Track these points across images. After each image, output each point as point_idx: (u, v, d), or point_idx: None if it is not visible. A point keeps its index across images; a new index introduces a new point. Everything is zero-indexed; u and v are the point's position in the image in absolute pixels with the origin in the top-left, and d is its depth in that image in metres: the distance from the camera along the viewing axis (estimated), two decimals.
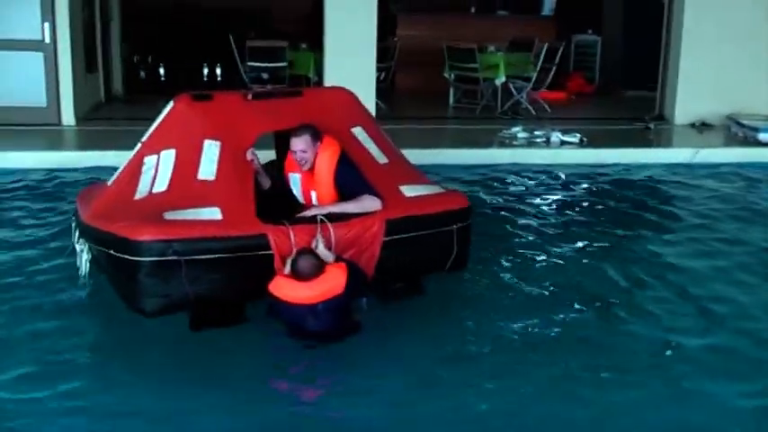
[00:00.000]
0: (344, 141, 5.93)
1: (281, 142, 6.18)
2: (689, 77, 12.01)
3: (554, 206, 8.44)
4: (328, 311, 5.07)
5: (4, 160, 9.41)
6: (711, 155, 10.40)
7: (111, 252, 5.28)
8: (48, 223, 7.43)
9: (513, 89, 12.89)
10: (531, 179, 9.50)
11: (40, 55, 11.06)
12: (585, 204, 8.54)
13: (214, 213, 5.31)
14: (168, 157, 5.65)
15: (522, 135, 10.83)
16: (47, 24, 10.99)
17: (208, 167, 5.54)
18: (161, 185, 5.55)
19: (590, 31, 16.34)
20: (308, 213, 5.53)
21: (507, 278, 6.30)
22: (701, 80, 11.92)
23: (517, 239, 7.26)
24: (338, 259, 5.28)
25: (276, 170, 6.08)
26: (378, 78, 12.28)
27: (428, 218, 5.72)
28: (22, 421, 4.32)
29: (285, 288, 5.05)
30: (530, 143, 10.69)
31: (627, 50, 15.20)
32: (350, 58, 11.47)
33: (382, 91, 12.65)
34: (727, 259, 6.89)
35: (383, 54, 12.80)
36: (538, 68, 12.76)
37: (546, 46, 12.81)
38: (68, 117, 11.26)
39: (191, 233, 5.15)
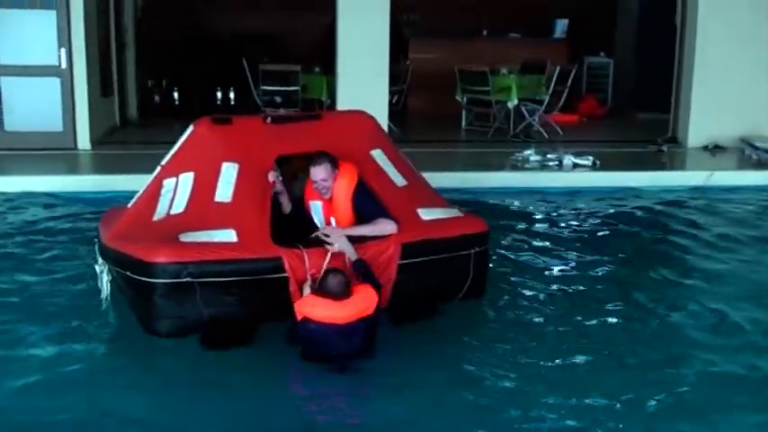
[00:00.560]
0: (363, 164, 5.96)
1: (287, 167, 6.24)
2: (702, 100, 12.00)
3: (567, 230, 8.43)
4: (360, 332, 5.06)
5: (20, 184, 9.48)
6: (725, 178, 10.36)
7: (128, 273, 5.34)
8: (65, 246, 7.47)
9: (525, 112, 12.90)
10: (543, 202, 9.49)
11: (57, 80, 11.15)
12: (599, 228, 8.53)
13: (230, 235, 5.34)
14: (187, 179, 5.71)
15: (534, 158, 10.84)
16: (63, 50, 11.09)
17: (225, 190, 5.59)
18: (179, 207, 5.60)
19: (602, 54, 16.36)
20: (322, 232, 5.53)
21: (520, 302, 6.31)
22: (715, 102, 11.90)
23: (530, 263, 7.26)
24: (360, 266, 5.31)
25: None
26: (390, 101, 12.32)
27: (445, 242, 5.72)
28: None
29: (318, 308, 5.00)
30: (542, 166, 10.69)
31: (639, 73, 15.21)
32: (363, 81, 11.53)
33: (395, 114, 12.70)
34: (745, 282, 6.88)
35: (396, 77, 12.85)
36: (550, 91, 12.79)
37: (558, 68, 12.84)
38: (84, 141, 11.34)
39: (206, 255, 5.19)
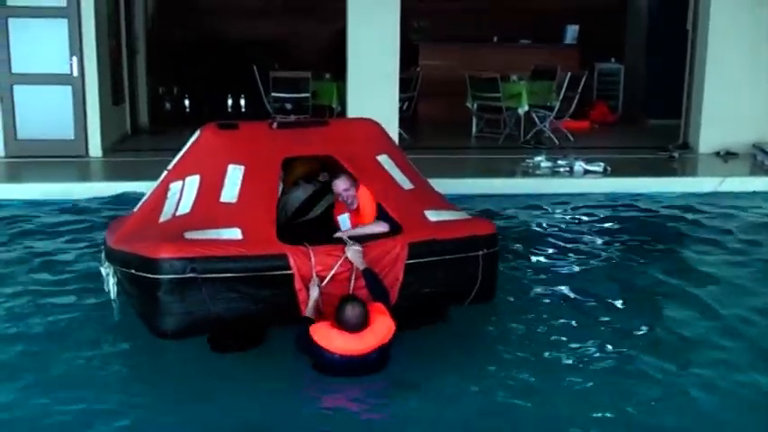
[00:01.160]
0: (370, 168, 5.99)
1: (289, 175, 6.33)
2: (713, 105, 11.96)
3: (577, 236, 8.40)
4: (375, 356, 5.02)
5: (33, 192, 9.53)
6: (737, 184, 10.33)
7: (132, 271, 5.36)
8: (75, 252, 7.51)
9: (535, 118, 12.90)
10: (554, 209, 9.48)
11: (69, 88, 11.21)
12: (609, 234, 8.51)
13: (234, 234, 5.35)
14: (193, 182, 5.75)
15: (545, 164, 10.83)
16: (74, 58, 11.14)
17: (231, 190, 5.62)
18: (185, 208, 5.64)
19: (613, 60, 16.34)
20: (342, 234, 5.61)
21: (530, 306, 6.30)
22: (726, 108, 11.86)
23: (540, 269, 7.25)
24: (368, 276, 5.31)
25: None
26: (400, 108, 12.33)
27: (453, 242, 5.70)
28: None
29: (337, 341, 4.93)
30: (553, 172, 10.68)
31: (650, 79, 15.18)
32: (373, 88, 11.56)
33: (405, 121, 12.70)
34: (760, 288, 6.87)
35: (406, 84, 12.85)
36: (561, 97, 12.78)
37: (569, 75, 12.82)
38: (95, 149, 11.39)
39: (210, 251, 5.19)
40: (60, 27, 11.06)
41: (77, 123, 11.30)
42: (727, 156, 11.77)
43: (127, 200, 8.60)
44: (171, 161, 6.18)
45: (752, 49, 11.85)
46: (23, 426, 4.58)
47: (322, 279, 5.30)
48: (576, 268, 7.32)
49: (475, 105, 13.42)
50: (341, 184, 5.89)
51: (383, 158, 6.15)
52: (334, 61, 13.54)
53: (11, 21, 10.96)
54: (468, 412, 4.73)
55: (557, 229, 8.70)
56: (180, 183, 5.81)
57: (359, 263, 5.35)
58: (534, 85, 13.16)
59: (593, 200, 9.78)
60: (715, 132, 11.96)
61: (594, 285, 6.85)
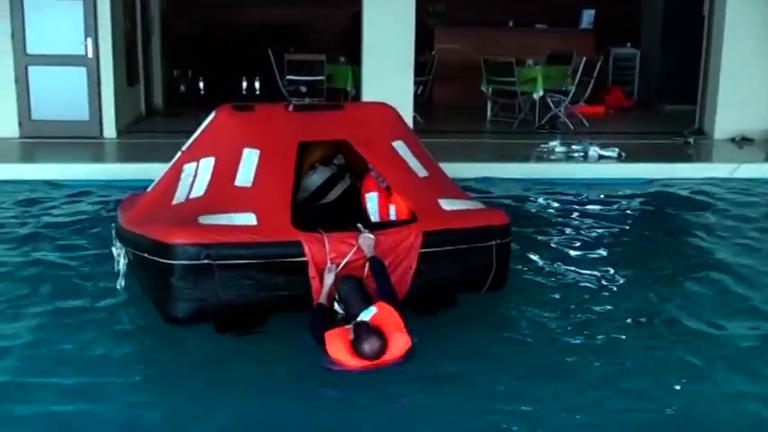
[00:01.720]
0: (385, 154, 5.96)
1: (305, 158, 6.31)
2: (729, 91, 11.89)
3: (592, 222, 8.38)
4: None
5: (47, 172, 9.56)
6: (752, 170, 10.27)
7: (146, 255, 5.34)
8: (89, 233, 7.54)
9: (550, 103, 12.85)
10: (568, 194, 9.45)
11: (83, 70, 11.23)
12: (624, 220, 8.49)
13: (249, 219, 5.32)
14: (207, 164, 5.71)
15: (559, 149, 10.79)
16: (89, 40, 11.16)
17: (245, 174, 5.57)
18: (198, 191, 5.60)
19: (629, 45, 16.25)
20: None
21: (543, 292, 6.28)
22: (742, 94, 11.79)
23: (554, 255, 7.21)
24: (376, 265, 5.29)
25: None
26: (415, 92, 12.30)
27: (467, 232, 5.67)
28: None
29: (354, 362, 4.86)
30: (567, 157, 10.64)
31: (666, 64, 15.10)
32: (388, 71, 11.53)
33: (420, 105, 12.68)
34: None
35: (421, 68, 12.83)
36: (576, 82, 12.73)
37: (584, 59, 12.77)
38: (110, 130, 11.42)
39: (224, 237, 5.16)
40: (75, 8, 11.08)
41: (92, 104, 11.33)
42: (742, 142, 11.71)
43: (140, 181, 8.62)
44: (185, 142, 6.15)
45: None
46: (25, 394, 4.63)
47: (337, 266, 5.27)
48: (589, 253, 7.30)
49: (490, 90, 13.38)
50: None
51: (398, 144, 6.10)
52: (349, 45, 13.54)
53: (26, 1, 10.97)
54: (486, 398, 4.72)
55: (570, 214, 8.68)
56: (194, 164, 5.77)
57: (368, 251, 5.34)
58: (549, 70, 13.10)
59: (607, 185, 9.74)
60: (730, 118, 11.90)
61: (606, 269, 6.84)
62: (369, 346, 4.80)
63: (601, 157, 10.56)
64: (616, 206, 9.01)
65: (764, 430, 4.53)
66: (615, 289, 6.43)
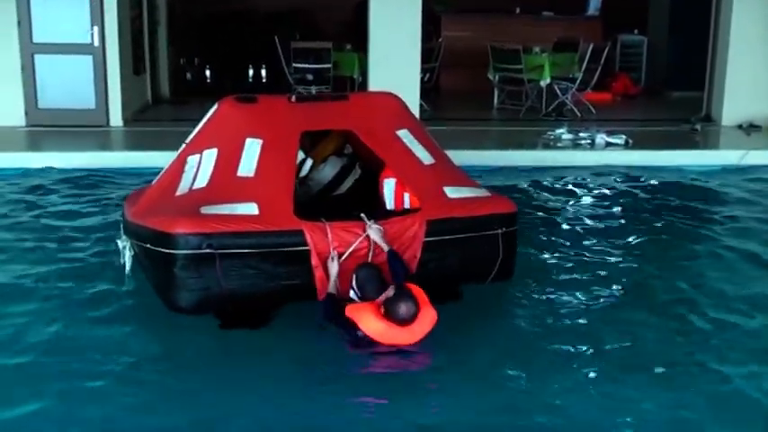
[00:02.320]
0: (390, 143, 5.94)
1: (307, 141, 6.29)
2: (737, 78, 11.85)
3: (599, 209, 8.38)
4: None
5: (54, 160, 9.56)
6: (760, 157, 10.24)
7: (149, 246, 5.36)
8: (96, 222, 7.55)
9: (557, 90, 12.82)
10: (575, 181, 9.44)
11: (90, 58, 11.24)
12: (631, 207, 8.47)
13: (251, 208, 5.33)
14: (210, 155, 5.71)
15: (566, 137, 10.78)
16: (96, 28, 11.16)
17: (248, 164, 5.57)
18: (201, 182, 5.61)
19: (636, 32, 16.18)
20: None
21: (550, 281, 6.27)
22: (749, 80, 11.76)
23: (561, 243, 7.21)
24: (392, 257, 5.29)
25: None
26: (422, 79, 12.27)
27: (472, 220, 5.64)
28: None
29: (383, 332, 4.88)
30: (574, 145, 10.63)
31: (673, 51, 15.04)
32: (394, 59, 11.50)
33: (426, 92, 12.64)
34: None
35: (427, 55, 12.78)
36: (583, 69, 12.68)
37: (591, 46, 12.72)
38: (116, 118, 11.43)
39: (226, 227, 5.17)
40: None
41: (98, 93, 11.33)
42: (750, 128, 11.68)
43: (147, 169, 8.63)
44: (190, 133, 6.15)
45: None
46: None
47: (340, 255, 5.27)
48: (596, 241, 7.28)
49: (497, 77, 13.34)
50: None
51: (403, 133, 6.07)
52: (355, 32, 13.50)
53: None
54: (496, 390, 4.72)
55: (578, 201, 8.68)
56: (197, 156, 5.78)
57: (384, 244, 5.33)
58: (557, 57, 13.05)
59: (614, 172, 9.72)
60: (738, 105, 11.87)
61: (613, 256, 6.84)
62: (405, 307, 4.82)
63: (608, 145, 10.55)
64: (623, 193, 8.98)
65: None
66: (623, 277, 6.42)
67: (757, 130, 11.60)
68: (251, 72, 15.69)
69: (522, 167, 9.80)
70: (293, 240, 5.25)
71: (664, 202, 8.59)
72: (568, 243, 7.21)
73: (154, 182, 6.18)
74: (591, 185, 9.31)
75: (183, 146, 6.04)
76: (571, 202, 8.61)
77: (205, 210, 5.30)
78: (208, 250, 5.12)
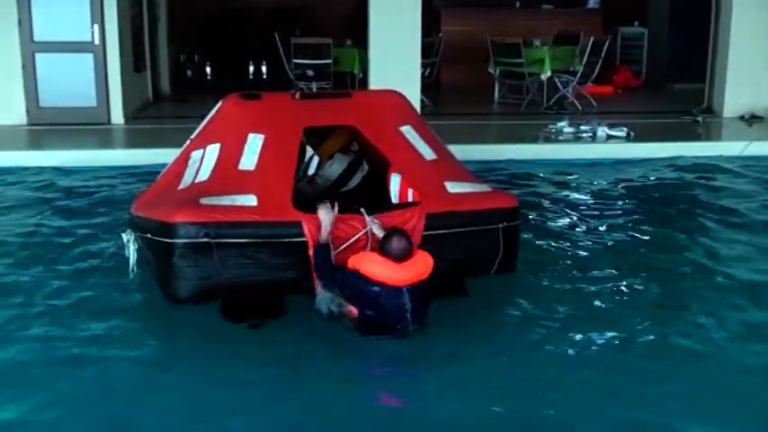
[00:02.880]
0: (393, 139, 5.96)
1: (314, 139, 6.30)
2: (738, 69, 11.85)
3: (601, 202, 8.37)
4: (418, 296, 5.04)
5: (56, 159, 9.56)
6: (762, 147, 10.22)
7: (149, 236, 5.41)
8: (98, 219, 7.54)
9: (558, 84, 12.81)
10: (577, 174, 9.43)
11: (90, 56, 11.24)
12: (633, 200, 8.46)
13: (250, 200, 5.36)
14: (213, 150, 5.77)
15: (567, 130, 10.76)
16: (96, 26, 11.16)
17: (249, 158, 5.62)
18: (203, 176, 5.66)
19: (636, 24, 16.18)
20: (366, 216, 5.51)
21: (552, 274, 6.25)
22: (750, 72, 11.76)
23: (563, 236, 7.20)
24: None
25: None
26: (423, 74, 12.27)
27: (472, 214, 5.65)
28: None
29: (381, 269, 4.97)
30: (576, 138, 10.62)
31: (674, 43, 15.04)
32: (395, 54, 11.49)
33: (427, 87, 12.65)
34: None
35: (428, 50, 12.78)
36: (584, 62, 12.67)
37: (592, 39, 12.72)
38: (117, 116, 11.44)
39: (224, 217, 5.21)
40: None
41: (99, 91, 11.34)
42: (751, 119, 11.67)
43: (149, 166, 8.65)
44: (193, 129, 6.20)
45: None
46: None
47: (337, 247, 5.29)
48: (598, 234, 7.29)
49: (497, 71, 13.34)
50: None
51: (406, 129, 6.10)
52: (355, 28, 13.49)
53: None
54: (501, 384, 4.72)
55: (579, 194, 8.67)
56: (200, 151, 5.84)
57: (381, 233, 5.34)
58: (557, 51, 13.05)
59: (616, 165, 9.71)
60: (739, 96, 11.87)
61: (616, 249, 6.83)
62: (398, 241, 5.01)
63: (609, 137, 10.54)
64: (625, 186, 8.97)
65: None
66: (626, 269, 6.40)
67: (759, 121, 11.59)
68: (251, 69, 15.69)
69: (524, 161, 9.79)
70: (291, 231, 5.28)
71: (666, 193, 8.59)
72: (570, 236, 7.20)
73: (158, 177, 6.23)
74: (592, 178, 9.30)
75: (188, 141, 6.10)
76: (573, 196, 8.60)
77: (204, 200, 5.35)
78: (204, 239, 5.14)
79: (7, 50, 11.05)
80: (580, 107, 12.58)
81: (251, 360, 4.91)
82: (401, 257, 5.00)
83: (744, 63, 11.79)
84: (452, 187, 5.80)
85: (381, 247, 5.06)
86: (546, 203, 8.20)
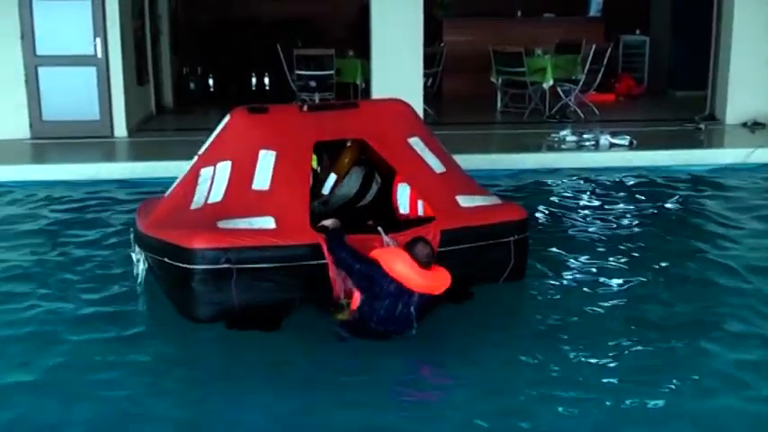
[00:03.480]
0: (401, 151, 5.97)
1: (324, 152, 6.30)
2: (740, 76, 11.84)
3: (604, 210, 8.36)
4: (422, 307, 5.09)
5: (59, 172, 9.59)
6: (766, 155, 10.21)
7: (166, 260, 5.37)
8: (102, 233, 7.54)
9: (560, 92, 12.81)
10: (580, 183, 9.43)
11: (93, 70, 11.26)
12: (636, 208, 8.45)
13: (267, 222, 5.35)
14: (224, 168, 5.72)
15: (570, 138, 10.76)
16: (98, 40, 11.18)
17: (262, 178, 5.59)
18: (216, 196, 5.62)
19: (638, 32, 16.18)
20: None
21: (559, 282, 6.26)
22: (753, 79, 11.75)
23: (567, 244, 7.19)
24: None
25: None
26: (425, 84, 12.28)
27: (485, 229, 5.71)
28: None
29: (402, 263, 4.99)
30: (578, 146, 10.61)
31: (676, 50, 15.04)
32: (397, 64, 11.51)
33: (430, 97, 12.66)
34: None
35: (430, 60, 12.79)
36: (585, 71, 12.68)
37: (593, 47, 12.72)
38: (120, 129, 11.45)
39: (244, 241, 5.20)
40: (84, 8, 11.09)
41: (102, 104, 11.35)
42: (754, 126, 11.66)
43: (152, 179, 8.66)
44: (198, 141, 6.17)
45: None
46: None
47: None
48: (602, 241, 7.29)
49: (500, 80, 13.35)
50: None
51: (414, 141, 6.11)
52: (357, 38, 13.51)
53: (35, 3, 11.00)
54: (511, 385, 4.74)
55: (583, 203, 8.66)
56: (211, 169, 5.79)
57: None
58: (559, 59, 13.06)
59: (619, 173, 9.71)
60: (742, 103, 11.85)
61: (620, 258, 6.83)
62: (422, 247, 5.05)
63: (612, 145, 10.53)
64: (628, 194, 8.97)
65: None
66: (630, 277, 6.39)
67: (761, 128, 11.57)
68: (254, 80, 15.71)
69: (527, 170, 9.79)
70: (311, 253, 5.28)
71: (669, 201, 8.58)
72: (574, 244, 7.21)
73: (167, 194, 6.18)
74: (596, 187, 9.29)
75: (196, 157, 6.05)
76: (577, 204, 8.60)
77: (222, 224, 5.33)
78: (226, 265, 5.14)
79: (10, 64, 11.07)
80: (582, 116, 12.58)
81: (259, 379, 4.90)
82: (424, 264, 5.02)
83: (746, 70, 11.79)
84: (464, 201, 5.87)
85: (407, 248, 5.09)
86: (549, 212, 8.20)
